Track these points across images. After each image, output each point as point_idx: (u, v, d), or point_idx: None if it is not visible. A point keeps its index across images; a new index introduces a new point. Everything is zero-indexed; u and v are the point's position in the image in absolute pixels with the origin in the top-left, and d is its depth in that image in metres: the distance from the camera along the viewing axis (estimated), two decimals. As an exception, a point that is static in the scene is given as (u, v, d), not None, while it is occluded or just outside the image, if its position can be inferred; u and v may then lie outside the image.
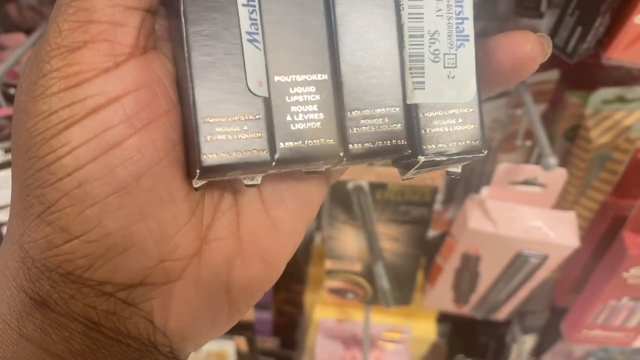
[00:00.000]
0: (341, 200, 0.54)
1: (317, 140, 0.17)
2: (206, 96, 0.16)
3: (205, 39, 0.15)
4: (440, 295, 0.60)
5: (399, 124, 0.17)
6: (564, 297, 0.65)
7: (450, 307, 0.63)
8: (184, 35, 0.15)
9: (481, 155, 0.18)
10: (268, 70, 0.16)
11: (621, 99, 0.57)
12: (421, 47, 0.17)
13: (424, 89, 0.17)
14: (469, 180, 0.64)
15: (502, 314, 0.63)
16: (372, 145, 0.17)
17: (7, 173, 0.54)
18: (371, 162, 0.18)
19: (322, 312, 0.72)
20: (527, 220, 0.49)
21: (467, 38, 0.17)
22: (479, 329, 0.76)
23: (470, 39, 0.17)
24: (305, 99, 0.17)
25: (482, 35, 0.17)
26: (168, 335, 0.18)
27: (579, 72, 0.63)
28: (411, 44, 0.17)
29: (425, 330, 0.72)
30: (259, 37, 0.16)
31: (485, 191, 0.50)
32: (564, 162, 0.62)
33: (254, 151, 0.16)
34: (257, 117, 0.16)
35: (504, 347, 0.75)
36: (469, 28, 0.17)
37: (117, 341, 0.17)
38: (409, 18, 0.17)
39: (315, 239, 0.85)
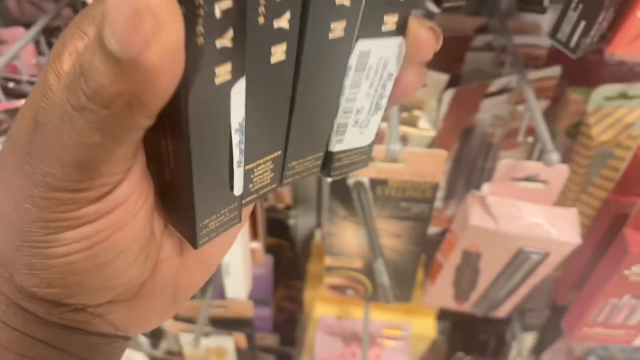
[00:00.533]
0: (341, 196, 0.53)
1: (266, 189, 0.23)
2: (202, 204, 0.20)
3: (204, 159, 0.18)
4: (441, 292, 0.60)
5: (319, 161, 0.24)
6: (565, 295, 0.64)
7: (450, 304, 0.62)
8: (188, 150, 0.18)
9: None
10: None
11: (623, 96, 0.56)
12: (348, 118, 0.22)
13: (342, 142, 0.23)
14: (470, 176, 0.63)
15: (502, 312, 0.63)
16: (298, 177, 0.23)
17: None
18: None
19: (322, 309, 0.72)
20: (529, 217, 0.49)
21: (381, 108, 0.22)
22: (479, 326, 0.76)
23: (383, 107, 0.22)
24: (264, 173, 0.22)
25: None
26: (126, 332, 0.22)
27: (581, 68, 0.63)
28: (341, 116, 0.22)
29: (425, 327, 0.72)
30: (242, 158, 0.20)
31: (486, 188, 0.50)
32: (565, 159, 0.61)
33: (230, 222, 0.22)
34: (234, 204, 0.21)
35: (504, 345, 0.75)
36: (384, 101, 0.22)
37: (84, 334, 0.20)
38: (345, 99, 0.21)
39: (315, 236, 0.85)
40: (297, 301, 0.89)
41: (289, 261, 0.87)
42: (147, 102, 0.15)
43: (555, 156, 0.44)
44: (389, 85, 0.22)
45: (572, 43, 0.43)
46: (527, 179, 0.48)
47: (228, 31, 0.16)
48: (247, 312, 0.71)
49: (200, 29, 0.15)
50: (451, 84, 0.55)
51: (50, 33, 0.62)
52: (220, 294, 0.70)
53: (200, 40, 0.15)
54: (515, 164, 0.47)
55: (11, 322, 0.18)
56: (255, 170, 0.21)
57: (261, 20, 0.17)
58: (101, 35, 0.13)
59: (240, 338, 0.73)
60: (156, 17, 0.13)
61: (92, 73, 0.14)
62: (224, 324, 0.73)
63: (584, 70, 0.63)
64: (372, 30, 0.20)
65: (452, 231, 0.54)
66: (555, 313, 0.71)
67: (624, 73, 0.61)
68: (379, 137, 0.44)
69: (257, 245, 0.69)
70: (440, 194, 0.65)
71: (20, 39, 0.54)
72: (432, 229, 0.70)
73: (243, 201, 0.22)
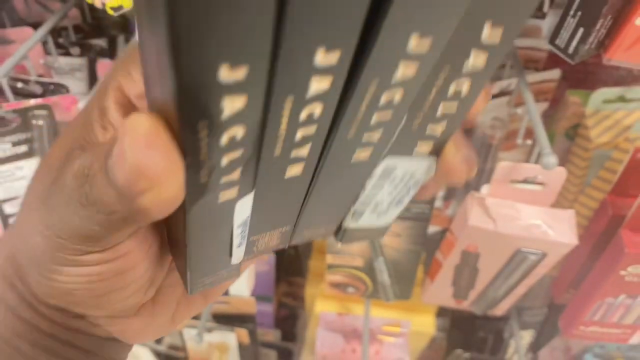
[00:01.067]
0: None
1: (272, 249, 0.22)
2: (197, 268, 0.19)
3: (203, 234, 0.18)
4: (440, 290, 0.61)
5: (333, 229, 0.23)
6: (562, 294, 0.65)
7: (449, 302, 0.63)
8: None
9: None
10: (247, 234, 0.20)
11: (622, 99, 0.57)
12: (365, 207, 0.21)
13: (357, 222, 0.22)
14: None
15: (500, 310, 0.64)
16: (308, 240, 0.23)
17: (12, 166, 0.54)
18: None
19: (323, 306, 0.73)
20: (527, 218, 0.50)
21: (402, 203, 0.22)
22: (477, 324, 0.77)
23: (405, 202, 0.22)
24: (269, 241, 0.21)
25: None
26: (124, 340, 0.23)
27: (580, 71, 0.63)
28: (359, 205, 0.21)
29: (424, 324, 0.73)
30: (245, 240, 0.20)
31: (485, 189, 0.51)
32: (563, 161, 0.62)
33: (227, 277, 0.22)
34: (233, 266, 0.21)
35: (502, 342, 0.76)
36: (407, 199, 0.21)
37: (88, 335, 0.21)
38: (365, 195, 0.20)
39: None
40: (298, 298, 0.90)
41: (291, 258, 0.88)
42: (141, 221, 0.16)
43: (552, 159, 0.45)
44: (414, 190, 0.21)
45: (571, 49, 0.44)
46: (526, 180, 0.49)
47: (236, 171, 0.15)
48: (250, 308, 0.72)
49: (204, 173, 0.14)
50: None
51: (58, 33, 0.63)
52: (223, 290, 0.71)
53: (204, 180, 0.15)
54: (513, 166, 0.48)
55: (24, 315, 0.20)
56: (260, 239, 0.21)
57: (278, 152, 0.16)
58: (106, 165, 0.15)
59: (243, 333, 0.74)
60: (154, 177, 0.13)
61: (95, 185, 0.15)
62: (226, 320, 0.74)
63: (583, 73, 0.64)
64: (403, 151, 0.18)
65: (451, 231, 0.55)
66: (553, 311, 0.72)
67: (623, 76, 0.62)
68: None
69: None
70: (440, 194, 0.66)
71: (28, 39, 0.55)
72: (432, 228, 0.71)
73: (245, 258, 0.21)
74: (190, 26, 0.10)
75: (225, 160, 0.14)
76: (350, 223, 0.22)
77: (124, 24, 0.64)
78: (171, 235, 0.20)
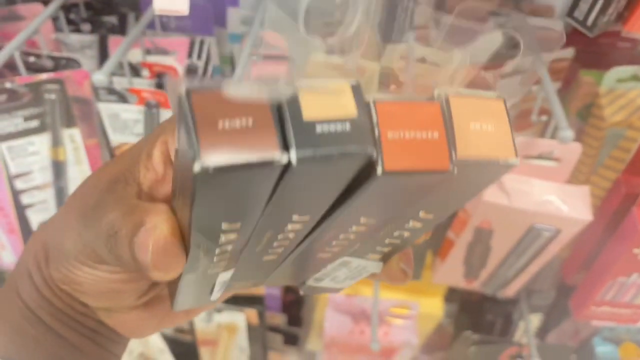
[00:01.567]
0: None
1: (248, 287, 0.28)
2: (181, 300, 0.25)
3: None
4: (451, 270, 0.61)
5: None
6: (573, 275, 0.65)
7: (460, 282, 0.63)
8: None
9: None
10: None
11: (636, 78, 0.57)
12: (325, 277, 0.26)
13: (318, 283, 0.27)
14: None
15: (510, 291, 0.64)
16: (279, 285, 0.30)
17: (24, 141, 0.54)
18: None
19: (332, 287, 0.73)
20: (541, 193, 0.50)
21: (356, 279, 0.27)
22: (486, 306, 0.77)
23: (358, 280, 0.27)
24: (243, 285, 0.26)
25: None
26: (120, 332, 0.27)
27: (594, 51, 0.63)
28: (319, 275, 0.26)
29: (433, 306, 0.73)
30: (223, 288, 0.25)
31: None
32: (576, 141, 0.62)
33: (209, 305, 0.27)
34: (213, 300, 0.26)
35: (510, 325, 0.76)
36: (361, 278, 0.26)
37: (90, 318, 0.26)
38: (324, 271, 0.26)
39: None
40: (305, 281, 0.90)
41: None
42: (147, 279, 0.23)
43: (569, 133, 0.44)
44: (366, 274, 0.26)
45: (589, 21, 0.44)
46: (540, 156, 0.49)
47: (223, 262, 0.21)
48: (259, 289, 0.72)
49: (199, 264, 0.20)
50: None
51: (68, 9, 0.62)
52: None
53: (199, 265, 0.21)
54: (528, 141, 0.48)
55: (44, 292, 0.24)
56: (236, 284, 0.26)
57: (258, 249, 0.21)
58: (131, 241, 0.19)
59: (252, 314, 0.74)
60: (164, 270, 0.19)
61: (119, 246, 0.20)
62: (235, 301, 0.74)
63: (597, 52, 0.63)
64: (358, 255, 0.24)
65: (464, 209, 0.54)
66: (562, 294, 0.72)
67: (636, 56, 0.61)
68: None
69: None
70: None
71: (39, 15, 0.55)
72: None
73: (222, 295, 0.27)
74: (206, 205, 0.16)
75: (215, 259, 0.20)
76: (312, 283, 0.27)
77: (135, 1, 0.63)
78: None
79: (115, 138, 0.56)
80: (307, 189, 0.16)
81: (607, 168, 0.59)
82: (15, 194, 0.57)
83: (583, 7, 0.43)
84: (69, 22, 0.62)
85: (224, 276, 0.23)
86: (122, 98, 0.52)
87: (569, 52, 0.59)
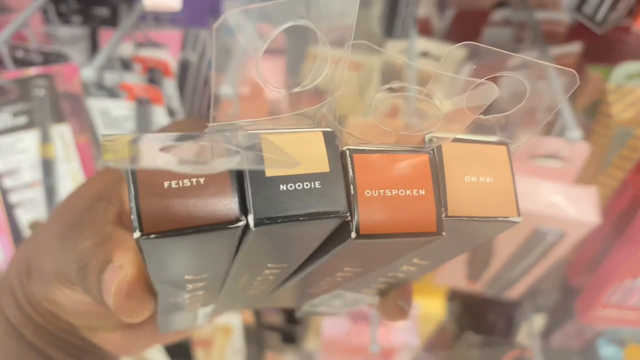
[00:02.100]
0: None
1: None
2: (164, 324, 0.24)
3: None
4: (453, 271, 0.59)
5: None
6: (578, 276, 0.64)
7: (462, 283, 0.62)
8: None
9: None
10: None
11: (646, 74, 0.55)
12: (320, 304, 0.26)
13: (314, 307, 0.26)
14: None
15: (514, 293, 0.62)
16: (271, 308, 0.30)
17: (12, 138, 0.52)
18: None
19: (330, 287, 0.72)
20: (547, 195, 0.48)
21: (351, 308, 0.26)
22: (488, 307, 0.75)
23: (353, 309, 0.27)
24: (230, 311, 0.27)
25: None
26: (106, 349, 0.26)
27: (602, 46, 0.61)
28: (315, 301, 0.25)
29: (434, 307, 0.71)
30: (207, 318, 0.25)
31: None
32: (583, 139, 0.60)
33: (194, 328, 0.26)
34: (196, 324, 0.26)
35: (513, 326, 0.75)
36: (356, 307, 0.26)
37: (74, 336, 0.25)
38: (319, 300, 0.25)
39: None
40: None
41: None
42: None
43: (576, 132, 0.43)
44: (362, 304, 0.25)
45: (599, 17, 0.42)
46: (547, 156, 0.47)
47: (197, 303, 0.21)
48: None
49: (171, 303, 0.20)
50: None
51: (58, 1, 0.61)
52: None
53: (171, 304, 0.20)
54: (535, 141, 0.46)
55: (25, 308, 0.23)
56: (226, 310, 0.25)
57: (239, 286, 0.20)
58: (99, 277, 0.19)
59: (248, 314, 0.72)
60: (129, 314, 0.19)
61: (88, 280, 0.19)
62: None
63: (604, 48, 0.61)
64: (352, 289, 0.23)
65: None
66: (567, 295, 0.70)
67: (646, 51, 0.59)
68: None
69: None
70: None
71: (27, 7, 0.53)
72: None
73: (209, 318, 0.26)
74: (157, 264, 0.15)
75: (188, 302, 0.19)
76: (308, 307, 0.27)
77: (128, -7, 0.61)
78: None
79: (107, 135, 0.55)
80: (276, 246, 0.15)
81: (615, 167, 0.57)
82: (4, 192, 0.55)
83: (592, 1, 0.41)
84: (59, 14, 0.60)
85: (205, 309, 0.22)
86: (112, 93, 0.51)
87: (576, 47, 0.57)
